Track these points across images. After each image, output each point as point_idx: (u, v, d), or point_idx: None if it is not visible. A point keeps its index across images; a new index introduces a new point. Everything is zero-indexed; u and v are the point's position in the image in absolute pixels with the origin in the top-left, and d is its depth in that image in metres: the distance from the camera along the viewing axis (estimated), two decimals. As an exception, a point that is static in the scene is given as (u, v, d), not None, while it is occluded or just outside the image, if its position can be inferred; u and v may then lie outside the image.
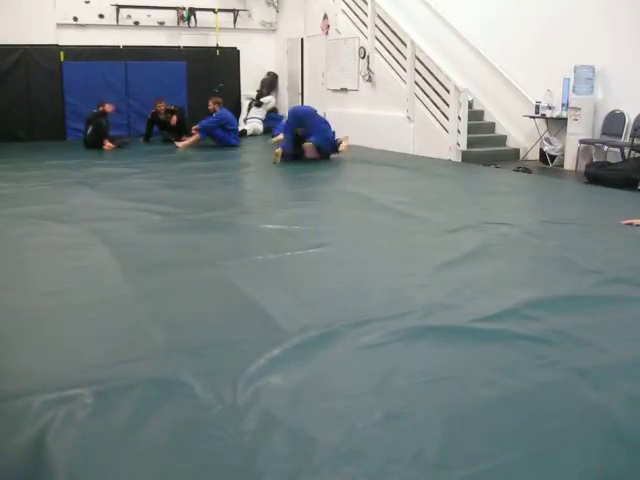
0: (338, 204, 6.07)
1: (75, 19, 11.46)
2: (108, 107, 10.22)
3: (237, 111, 12.53)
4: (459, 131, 8.80)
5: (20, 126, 11.12)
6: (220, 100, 10.45)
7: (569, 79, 8.13)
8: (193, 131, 10.32)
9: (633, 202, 6.27)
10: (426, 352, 2.81)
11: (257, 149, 10.65)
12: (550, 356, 2.70)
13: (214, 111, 10.29)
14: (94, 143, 10.00)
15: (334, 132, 8.99)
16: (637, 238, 4.79)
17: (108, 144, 10.03)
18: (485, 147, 9.08)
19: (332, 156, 8.89)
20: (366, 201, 6.03)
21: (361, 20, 10.63)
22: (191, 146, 10.25)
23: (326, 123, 8.95)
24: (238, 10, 12.78)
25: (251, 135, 12.25)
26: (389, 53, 10.12)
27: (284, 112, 12.83)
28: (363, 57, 10.53)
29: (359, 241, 4.68)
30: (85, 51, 11.46)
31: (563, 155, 8.34)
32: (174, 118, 10.92)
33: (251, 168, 8.54)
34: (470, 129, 8.82)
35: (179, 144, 10.36)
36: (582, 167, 7.70)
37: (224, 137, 10.33)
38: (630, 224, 4.99)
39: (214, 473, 1.95)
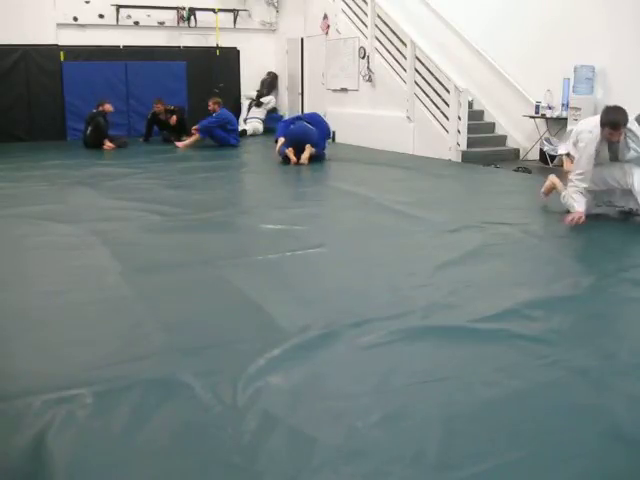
0: (338, 204, 6.07)
1: (75, 19, 11.46)
2: (108, 107, 10.22)
3: (237, 111, 12.53)
4: (459, 131, 8.80)
5: (20, 126, 11.12)
6: (220, 100, 10.45)
7: (569, 79, 8.13)
8: (193, 131, 10.32)
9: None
10: (426, 352, 2.81)
11: (257, 149, 10.65)
12: (550, 356, 2.70)
13: (214, 111, 10.28)
14: (94, 143, 10.01)
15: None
16: (637, 237, 4.79)
17: (108, 144, 10.03)
18: (485, 147, 9.08)
19: (332, 156, 8.87)
20: (366, 201, 6.03)
21: (361, 20, 10.63)
22: (191, 146, 10.25)
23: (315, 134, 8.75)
24: (238, 10, 12.78)
25: (251, 135, 12.25)
26: (389, 53, 10.12)
27: (284, 112, 12.86)
28: (363, 57, 10.53)
29: (359, 241, 4.68)
30: (85, 51, 11.46)
31: (563, 155, 8.33)
32: (174, 118, 10.92)
33: (251, 168, 8.54)
34: (470, 129, 8.82)
35: (179, 144, 10.36)
36: (582, 167, 7.69)
37: (224, 137, 10.33)
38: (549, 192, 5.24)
39: (214, 473, 1.95)
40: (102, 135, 10.06)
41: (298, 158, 8.36)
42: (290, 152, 8.38)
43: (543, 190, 5.80)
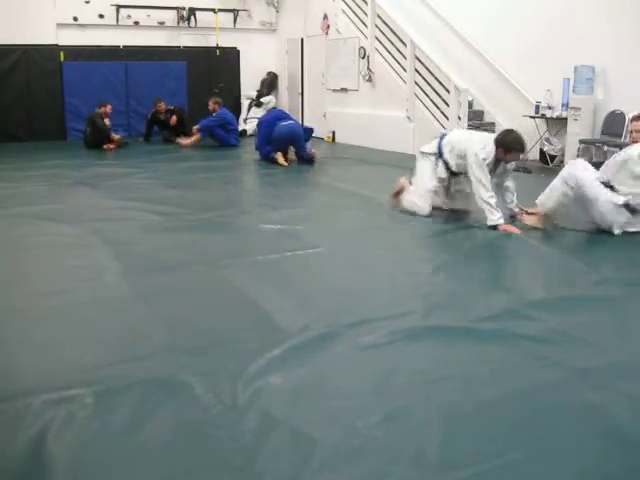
0: (338, 204, 6.07)
1: (75, 19, 11.44)
2: (109, 109, 10.21)
3: (237, 111, 12.52)
4: (459, 131, 8.79)
5: (20, 126, 11.10)
6: (220, 100, 10.45)
7: (569, 79, 8.13)
8: (194, 131, 10.33)
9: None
10: (426, 352, 2.81)
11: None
12: (550, 356, 2.70)
13: (214, 111, 10.29)
14: (94, 143, 9.99)
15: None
16: (636, 237, 4.79)
17: (108, 145, 10.00)
18: (485, 147, 9.06)
19: (331, 157, 8.86)
20: (366, 201, 6.02)
21: (361, 20, 10.63)
22: (192, 145, 10.28)
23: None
24: (238, 10, 12.77)
25: (251, 135, 12.24)
26: (389, 53, 10.11)
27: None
28: (363, 57, 10.53)
29: (359, 241, 4.68)
30: (85, 51, 11.45)
31: (563, 155, 8.34)
32: (174, 118, 10.93)
33: (251, 168, 8.54)
34: (470, 129, 8.81)
35: (183, 142, 10.38)
36: (582, 167, 7.69)
37: (224, 137, 10.34)
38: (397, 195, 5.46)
39: (214, 473, 1.95)
40: (103, 136, 10.02)
41: (287, 160, 8.39)
42: (280, 157, 8.34)
43: (395, 192, 5.63)
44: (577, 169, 4.74)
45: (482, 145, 5.01)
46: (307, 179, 7.66)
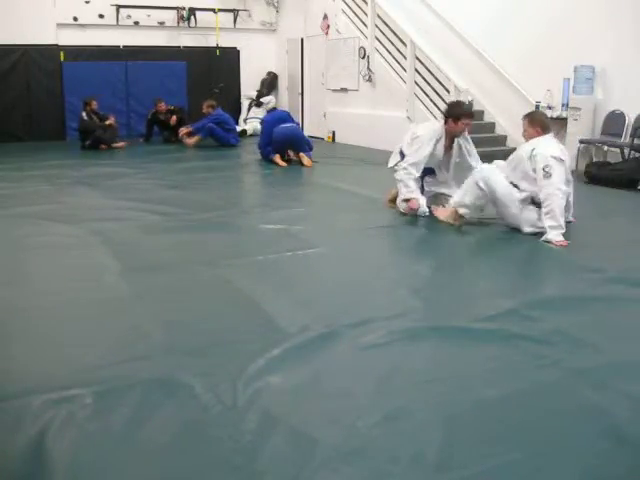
0: (338, 204, 6.07)
1: (75, 19, 11.44)
2: (94, 105, 10.17)
3: (237, 111, 12.53)
4: (459, 131, 8.78)
5: (20, 126, 11.11)
6: (214, 103, 10.48)
7: (569, 79, 8.13)
8: (193, 130, 10.39)
9: (633, 202, 6.28)
10: (426, 352, 2.81)
11: (257, 149, 10.62)
12: (550, 356, 2.70)
13: (209, 114, 10.33)
14: (93, 147, 9.97)
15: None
16: (636, 237, 4.79)
17: (102, 146, 9.98)
18: (485, 147, 9.04)
19: (331, 157, 8.86)
20: (366, 201, 6.02)
21: (361, 20, 10.63)
22: (196, 144, 10.34)
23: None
24: (238, 10, 12.77)
25: (251, 135, 12.24)
26: (389, 53, 10.11)
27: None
28: (363, 57, 10.52)
29: (359, 241, 4.68)
30: (85, 51, 11.45)
31: (563, 155, 8.33)
32: (174, 118, 10.94)
33: (251, 168, 8.54)
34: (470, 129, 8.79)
35: (188, 140, 10.41)
36: (582, 167, 7.69)
37: (224, 137, 10.36)
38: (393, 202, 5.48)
39: (214, 473, 1.95)
40: (105, 143, 10.02)
41: (287, 161, 8.40)
42: (278, 158, 8.37)
43: (390, 199, 5.71)
44: (490, 172, 4.84)
45: (423, 127, 5.42)
46: (307, 179, 7.66)
